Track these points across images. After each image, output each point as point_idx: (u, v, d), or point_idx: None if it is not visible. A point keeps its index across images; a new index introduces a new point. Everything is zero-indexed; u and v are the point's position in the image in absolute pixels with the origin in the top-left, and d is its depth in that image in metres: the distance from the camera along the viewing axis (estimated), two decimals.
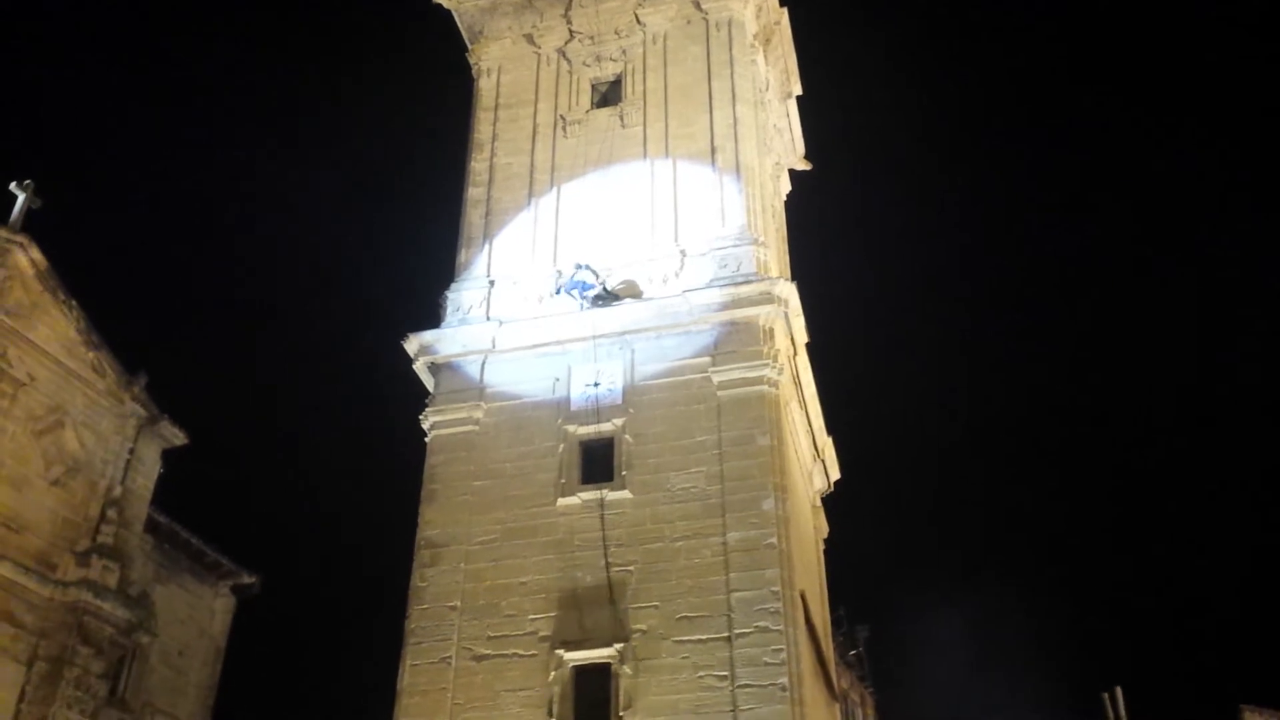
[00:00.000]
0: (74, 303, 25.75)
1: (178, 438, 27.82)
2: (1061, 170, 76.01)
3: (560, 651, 19.46)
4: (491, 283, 24.46)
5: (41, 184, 25.74)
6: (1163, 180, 74.26)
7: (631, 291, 23.29)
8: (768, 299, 22.31)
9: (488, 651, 19.90)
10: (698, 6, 27.09)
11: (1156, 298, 71.59)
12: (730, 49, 26.37)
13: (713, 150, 24.98)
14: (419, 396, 23.60)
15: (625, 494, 20.87)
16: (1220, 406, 69.38)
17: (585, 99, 26.93)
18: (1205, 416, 68.69)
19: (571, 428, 21.88)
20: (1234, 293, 69.55)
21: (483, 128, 27.20)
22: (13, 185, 25.49)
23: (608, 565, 20.11)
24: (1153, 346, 70.42)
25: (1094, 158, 75.68)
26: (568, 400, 22.29)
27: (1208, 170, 71.94)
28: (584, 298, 23.07)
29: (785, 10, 30.17)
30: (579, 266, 23.38)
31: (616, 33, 27.43)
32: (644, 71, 26.69)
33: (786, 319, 22.64)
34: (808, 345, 24.61)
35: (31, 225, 25.35)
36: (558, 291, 23.42)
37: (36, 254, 25.09)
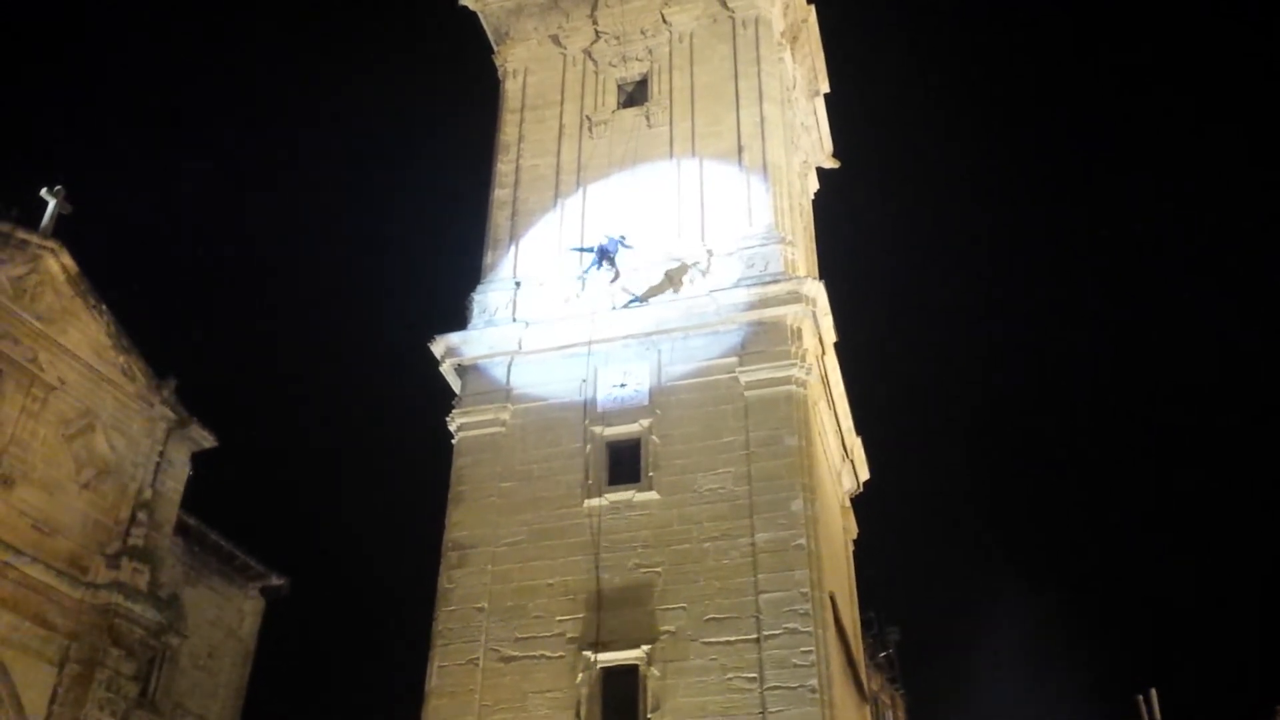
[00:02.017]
0: (104, 307, 25.95)
1: (207, 440, 27.98)
2: (1091, 167, 75.33)
3: (588, 653, 19.37)
4: (518, 284, 24.41)
5: (71, 190, 25.99)
6: (1193, 174, 73.51)
7: (659, 290, 23.19)
8: (795, 298, 22.15)
9: (515, 653, 19.84)
10: (724, 5, 26.96)
11: (1194, 291, 70.82)
12: (757, 47, 26.23)
13: (739, 149, 24.83)
14: (446, 398, 23.60)
15: (652, 495, 20.76)
16: (1254, 405, 68.51)
17: (611, 99, 26.84)
18: (1239, 416, 67.89)
19: (598, 429, 21.79)
20: (1265, 283, 68.65)
21: (509, 129, 27.17)
22: (43, 191, 25.75)
23: (635, 566, 20.02)
24: (1187, 343, 69.71)
25: (1123, 154, 74.98)
26: (594, 401, 22.19)
27: (1237, 167, 71.08)
28: (610, 264, 23.01)
29: (812, 8, 30.01)
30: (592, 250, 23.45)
31: (642, 32, 27.33)
32: (670, 71, 26.58)
33: (814, 318, 22.46)
34: (836, 344, 24.42)
35: (62, 231, 25.62)
36: (593, 257, 23.40)
37: (67, 259, 25.30)
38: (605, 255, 23.21)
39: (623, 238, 23.45)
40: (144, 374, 26.54)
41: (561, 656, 19.55)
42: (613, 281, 23.23)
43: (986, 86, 77.82)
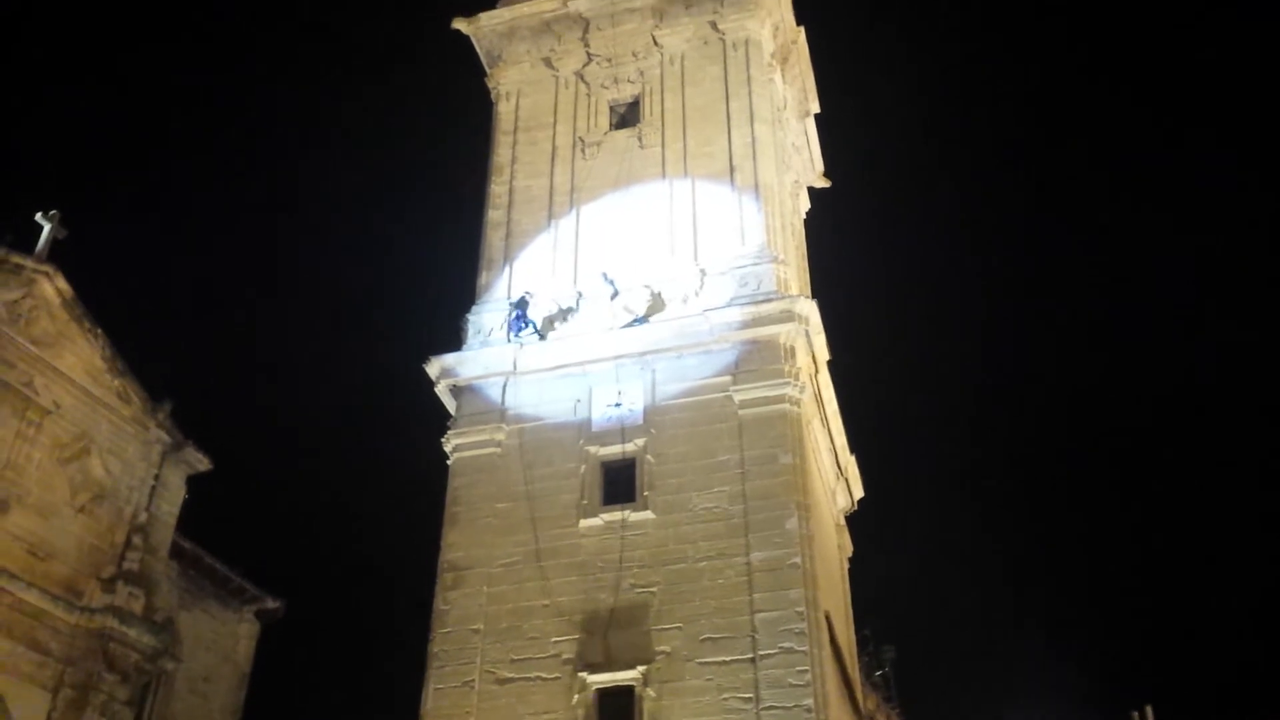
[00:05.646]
0: (99, 331, 25.98)
1: (202, 463, 27.97)
2: (1083, 184, 75.60)
3: (583, 674, 19.35)
4: (512, 304, 24.49)
5: (66, 214, 26.03)
6: (1186, 189, 73.83)
7: (652, 310, 23.28)
8: (788, 317, 22.26)
9: (511, 674, 19.83)
10: (714, 27, 27.17)
11: (1190, 302, 70.98)
12: (748, 69, 26.43)
13: (731, 169, 24.98)
14: (441, 419, 23.63)
15: (648, 514, 20.79)
16: (1251, 415, 68.58)
17: (604, 121, 27.01)
18: (1235, 428, 67.95)
19: (593, 449, 21.83)
20: (1258, 287, 68.82)
21: (502, 151, 27.31)
22: (38, 216, 25.80)
23: (630, 586, 20.03)
24: (1180, 359, 69.84)
25: (1116, 171, 75.31)
26: (589, 421, 22.25)
27: (1224, 177, 71.49)
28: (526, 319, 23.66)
29: (802, 29, 30.19)
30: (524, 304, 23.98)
31: (634, 55, 27.52)
32: (662, 92, 26.76)
33: (808, 337, 22.56)
34: (829, 363, 24.51)
35: (57, 255, 25.64)
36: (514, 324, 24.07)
37: (62, 283, 25.35)
38: (523, 309, 23.83)
39: (526, 293, 24.08)
40: (139, 397, 26.56)
41: (557, 678, 19.53)
42: (613, 299, 23.36)
43: (977, 104, 78.26)
